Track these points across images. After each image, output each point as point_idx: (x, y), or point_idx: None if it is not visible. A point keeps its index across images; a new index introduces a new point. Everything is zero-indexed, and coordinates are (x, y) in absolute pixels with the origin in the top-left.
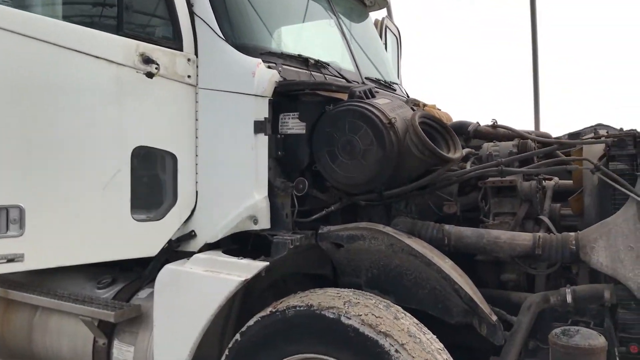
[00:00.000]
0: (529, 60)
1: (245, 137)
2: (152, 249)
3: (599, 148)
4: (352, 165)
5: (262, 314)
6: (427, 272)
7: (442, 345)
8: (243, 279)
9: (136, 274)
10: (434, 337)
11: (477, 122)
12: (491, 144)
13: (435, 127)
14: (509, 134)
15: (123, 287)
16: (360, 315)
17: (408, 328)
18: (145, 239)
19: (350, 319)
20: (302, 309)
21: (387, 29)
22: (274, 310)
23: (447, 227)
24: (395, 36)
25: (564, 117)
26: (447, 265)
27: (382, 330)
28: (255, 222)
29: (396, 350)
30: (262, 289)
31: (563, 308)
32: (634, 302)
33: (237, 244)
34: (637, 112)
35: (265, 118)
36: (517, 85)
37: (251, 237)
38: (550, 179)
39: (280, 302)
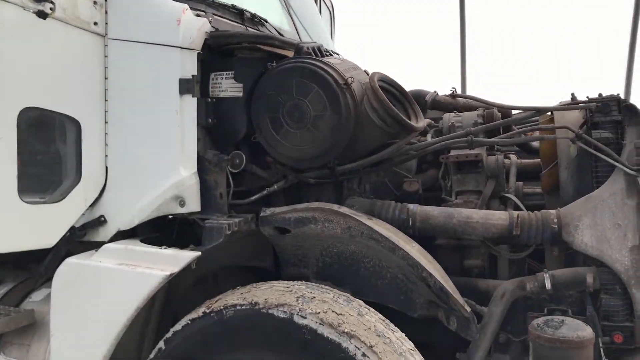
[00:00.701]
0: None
1: (168, 100)
2: (48, 239)
3: (575, 117)
4: (301, 135)
5: (193, 315)
6: (389, 259)
7: (412, 344)
8: (168, 273)
9: (29, 271)
10: (403, 335)
11: (435, 91)
12: (452, 114)
13: (393, 92)
14: (470, 105)
15: (11, 288)
16: (318, 312)
17: (375, 326)
18: (39, 226)
19: (305, 318)
20: (244, 308)
21: (322, 2)
22: (208, 310)
23: (411, 206)
24: (329, 10)
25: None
26: (414, 250)
27: (345, 330)
28: (182, 203)
29: (363, 355)
30: (187, 287)
31: (540, 295)
32: (619, 286)
33: (158, 231)
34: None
35: (193, 76)
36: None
37: (176, 222)
38: (508, 157)
39: (216, 301)
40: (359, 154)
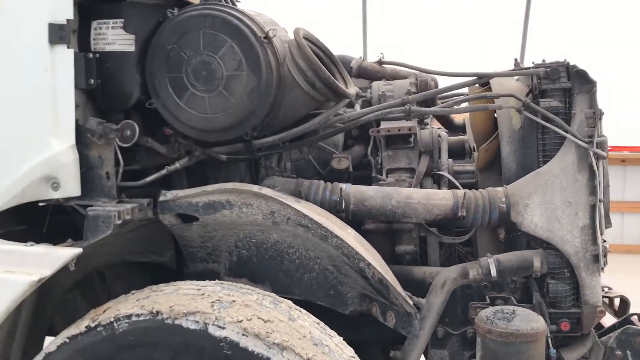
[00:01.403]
0: None
1: (34, 51)
2: None
3: (515, 85)
4: (209, 101)
5: (73, 331)
6: (319, 248)
7: (351, 349)
8: (36, 278)
9: None
10: (341, 339)
11: (361, 57)
12: (382, 82)
13: (318, 54)
14: (398, 73)
15: None
16: (240, 320)
17: (310, 332)
18: None
19: (224, 328)
20: (142, 319)
21: None
22: (93, 324)
23: (343, 186)
24: None
25: None
26: (350, 238)
27: (275, 341)
28: (55, 186)
29: None
30: (65, 289)
31: (481, 283)
32: (567, 270)
33: (25, 223)
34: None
35: (68, 21)
36: None
37: (49, 211)
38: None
39: (104, 310)
40: (280, 125)
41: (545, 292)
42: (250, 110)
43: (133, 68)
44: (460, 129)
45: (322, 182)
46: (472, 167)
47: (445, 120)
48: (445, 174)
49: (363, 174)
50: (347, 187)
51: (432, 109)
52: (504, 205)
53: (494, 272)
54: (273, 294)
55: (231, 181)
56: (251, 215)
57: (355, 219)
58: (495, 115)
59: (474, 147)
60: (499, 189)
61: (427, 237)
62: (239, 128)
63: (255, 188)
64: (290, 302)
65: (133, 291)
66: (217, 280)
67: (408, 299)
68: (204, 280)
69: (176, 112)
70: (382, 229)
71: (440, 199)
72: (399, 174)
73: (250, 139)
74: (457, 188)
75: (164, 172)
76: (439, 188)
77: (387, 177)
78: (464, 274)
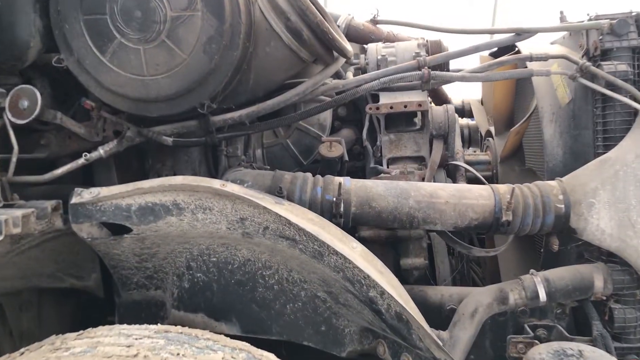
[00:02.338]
0: None
1: None
2: None
3: (551, 49)
4: (148, 56)
5: None
6: (306, 268)
7: None
8: None
9: None
10: None
11: (349, 15)
12: (379, 44)
13: None
14: (397, 36)
15: None
16: None
17: None
18: None
19: None
20: None
21: None
22: None
23: (341, 180)
24: None
25: None
26: (356, 255)
27: None
28: None
29: None
30: None
31: (528, 308)
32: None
33: None
34: None
35: None
36: None
37: None
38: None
39: None
40: (248, 94)
41: (608, 320)
42: (208, 70)
43: (29, 6)
44: (458, 112)
45: (309, 175)
46: (486, 157)
47: (440, 102)
48: (462, 164)
49: (352, 165)
50: (346, 182)
51: (458, 73)
52: (562, 206)
53: (542, 295)
54: (248, 347)
55: (180, 174)
56: (211, 223)
57: (358, 225)
58: (533, 85)
59: (488, 131)
60: (553, 183)
61: (434, 246)
62: (190, 97)
63: (216, 184)
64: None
65: (24, 349)
66: (158, 326)
67: (438, 340)
68: (143, 314)
69: (97, 74)
70: (382, 237)
71: (476, 197)
72: (403, 164)
73: (207, 114)
74: (482, 183)
75: (81, 161)
76: (455, 183)
77: (388, 168)
78: (502, 299)
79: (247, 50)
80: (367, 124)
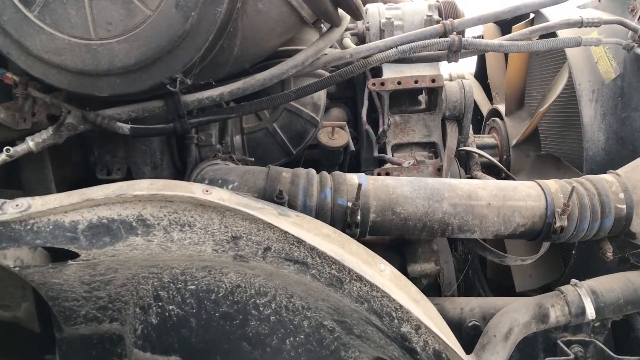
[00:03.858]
0: None
1: None
2: None
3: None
4: (98, 13)
5: None
6: (313, 294)
7: None
8: None
9: None
10: None
11: None
12: (381, 5)
13: None
14: None
15: None
16: None
17: None
18: None
19: None
20: None
21: None
22: None
23: (355, 178)
24: None
25: None
26: (386, 280)
27: None
28: None
29: None
30: None
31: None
32: None
33: None
34: None
35: None
36: None
37: None
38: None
39: None
40: (231, 67)
41: None
42: (182, 32)
43: None
44: None
45: (313, 172)
46: (493, 140)
47: None
48: (478, 150)
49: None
50: (363, 181)
51: (494, 41)
52: (623, 206)
53: (591, 311)
54: None
55: (136, 169)
56: (191, 245)
57: (377, 235)
58: (567, 57)
59: (493, 110)
60: (609, 177)
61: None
62: (156, 69)
63: (198, 190)
64: None
65: None
66: None
67: None
68: (93, 351)
69: (22, 36)
70: (386, 239)
71: (523, 198)
72: (411, 152)
73: (178, 92)
74: (506, 176)
75: (1, 157)
76: (469, 174)
77: (393, 156)
78: (542, 316)
79: (235, 6)
80: (366, 102)
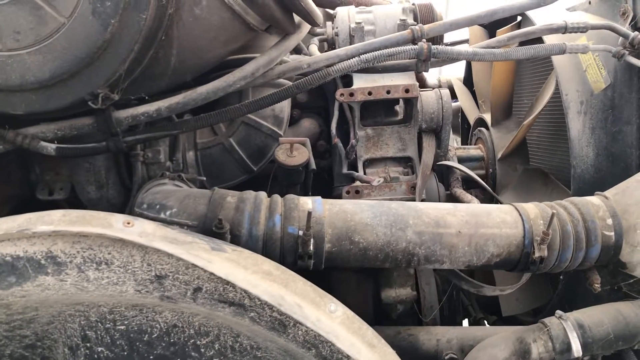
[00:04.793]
0: None
1: None
2: None
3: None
4: (4, 20)
5: None
6: (261, 334)
7: None
8: None
9: None
10: None
11: None
12: (352, 8)
13: None
14: (373, 2)
15: None
16: None
17: None
18: None
19: None
20: None
21: None
22: None
23: (309, 202)
24: None
25: None
26: (336, 324)
27: None
28: None
29: None
30: None
31: None
32: None
33: None
34: None
35: None
36: None
37: None
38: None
39: None
40: (170, 79)
41: None
42: (101, 41)
43: None
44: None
45: (262, 195)
46: (478, 152)
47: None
48: (458, 165)
49: (316, 164)
50: (317, 207)
51: (467, 49)
52: (611, 234)
53: (577, 348)
54: None
55: (80, 188)
56: (110, 285)
57: (333, 266)
58: (554, 64)
59: (480, 120)
60: (596, 200)
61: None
62: (75, 84)
63: (117, 222)
64: None
65: None
66: None
67: None
68: None
69: None
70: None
71: (497, 224)
72: (385, 168)
73: (108, 109)
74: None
75: None
76: (449, 190)
77: (365, 172)
78: (523, 352)
79: (165, 12)
80: (336, 113)
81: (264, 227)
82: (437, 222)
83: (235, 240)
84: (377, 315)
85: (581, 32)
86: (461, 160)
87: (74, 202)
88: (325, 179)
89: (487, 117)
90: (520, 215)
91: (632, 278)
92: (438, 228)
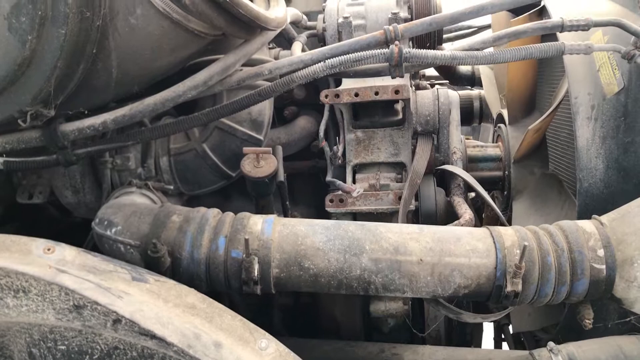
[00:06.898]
0: None
1: None
2: None
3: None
4: None
5: None
6: None
7: None
8: None
9: None
10: None
11: None
12: (343, 1)
13: None
14: None
15: None
16: None
17: None
18: None
19: None
20: None
21: None
22: None
23: (258, 223)
24: None
25: None
26: None
27: None
28: None
29: None
30: None
31: None
32: None
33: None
34: None
35: None
36: None
37: None
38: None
39: None
40: (114, 91)
41: None
42: (20, 58)
43: None
44: (467, 80)
45: (211, 214)
46: (497, 151)
47: (443, 68)
48: (460, 171)
49: (314, 165)
50: (266, 228)
51: (444, 53)
52: (602, 267)
53: None
54: None
55: (58, 192)
56: (30, 312)
57: (285, 290)
58: (564, 62)
59: (500, 116)
60: (588, 226)
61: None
62: (0, 101)
63: (36, 249)
64: None
65: None
66: None
67: None
68: None
69: None
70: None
71: (466, 253)
72: (376, 174)
73: (55, 123)
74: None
75: None
76: (450, 199)
77: (354, 181)
78: None
79: (90, 24)
80: (326, 114)
81: (206, 250)
82: (397, 248)
83: (177, 263)
84: (367, 328)
85: (582, 29)
86: (475, 160)
87: (58, 204)
88: (322, 180)
89: (506, 113)
90: (494, 242)
91: (629, 316)
92: (397, 255)
